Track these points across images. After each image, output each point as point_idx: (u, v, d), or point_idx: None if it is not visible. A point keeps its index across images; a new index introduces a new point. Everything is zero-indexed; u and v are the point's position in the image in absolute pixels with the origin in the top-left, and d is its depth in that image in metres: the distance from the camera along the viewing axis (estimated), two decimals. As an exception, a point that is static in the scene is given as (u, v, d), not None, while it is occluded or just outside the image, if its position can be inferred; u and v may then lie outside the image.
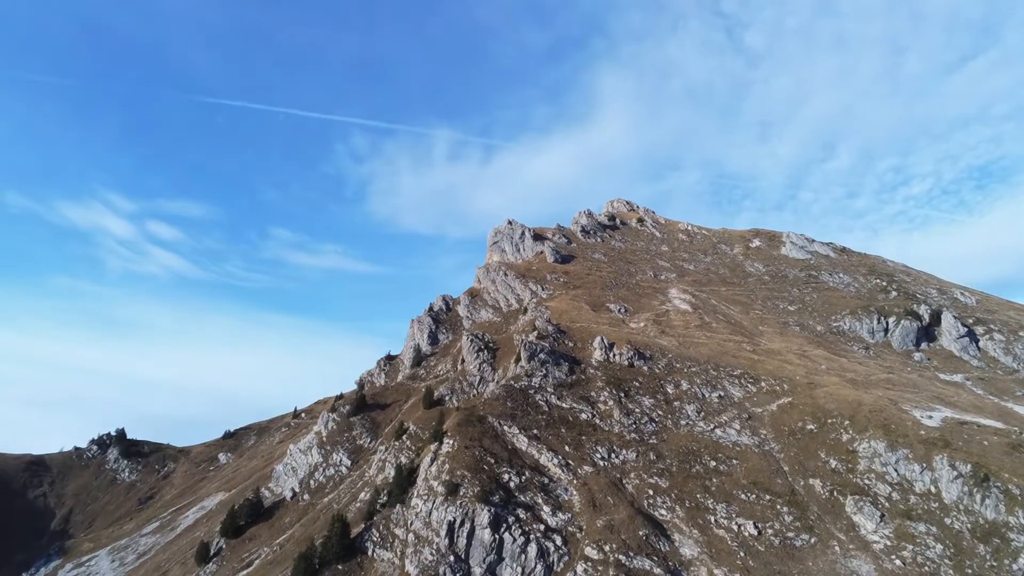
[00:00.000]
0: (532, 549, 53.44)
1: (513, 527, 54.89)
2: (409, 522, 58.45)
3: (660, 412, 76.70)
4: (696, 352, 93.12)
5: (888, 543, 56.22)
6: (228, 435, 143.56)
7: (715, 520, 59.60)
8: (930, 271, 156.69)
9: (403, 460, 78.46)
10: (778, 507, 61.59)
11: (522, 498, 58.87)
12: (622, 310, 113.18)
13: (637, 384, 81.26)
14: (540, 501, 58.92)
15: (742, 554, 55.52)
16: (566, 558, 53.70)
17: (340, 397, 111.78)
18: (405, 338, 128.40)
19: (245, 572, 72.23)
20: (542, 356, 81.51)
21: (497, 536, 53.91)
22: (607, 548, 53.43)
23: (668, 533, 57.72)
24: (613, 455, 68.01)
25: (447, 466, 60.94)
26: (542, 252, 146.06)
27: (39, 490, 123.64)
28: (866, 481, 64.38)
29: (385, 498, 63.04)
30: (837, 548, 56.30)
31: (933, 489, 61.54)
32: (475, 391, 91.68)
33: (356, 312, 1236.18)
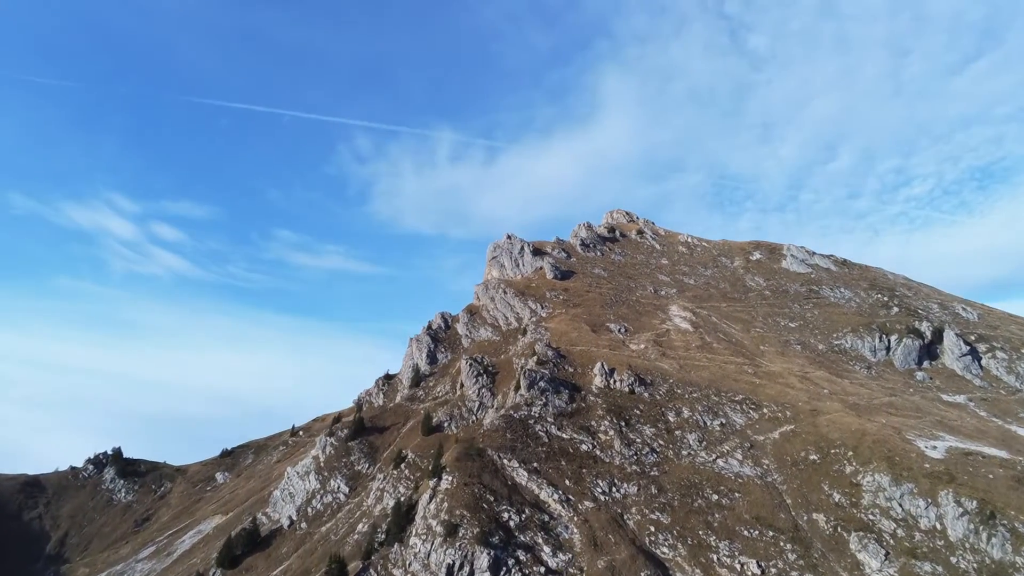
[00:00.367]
0: (532, 594, 52.53)
1: (513, 570, 54.01)
2: (407, 563, 57.52)
3: (661, 442, 75.85)
4: (697, 376, 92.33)
5: (894, 585, 55.39)
6: (225, 453, 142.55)
7: (718, 559, 58.73)
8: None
9: (401, 490, 77.62)
10: (781, 544, 60.75)
11: (522, 538, 57.99)
12: (622, 329, 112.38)
13: (638, 412, 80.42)
14: (540, 541, 58.04)
15: (746, 597, 54.67)
16: (567, 603, 52.81)
17: (338, 420, 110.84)
18: (404, 356, 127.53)
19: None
20: (542, 384, 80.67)
21: (497, 580, 53.01)
22: (609, 593, 52.54)
23: (671, 573, 56.85)
24: (614, 489, 67.15)
25: (446, 504, 60.06)
26: (541, 268, 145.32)
27: (34, 512, 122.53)
28: (870, 516, 63.58)
29: (383, 536, 62.11)
30: (842, 590, 55.47)
31: (939, 526, 60.75)
32: (474, 417, 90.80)
33: (358, 313, 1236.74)
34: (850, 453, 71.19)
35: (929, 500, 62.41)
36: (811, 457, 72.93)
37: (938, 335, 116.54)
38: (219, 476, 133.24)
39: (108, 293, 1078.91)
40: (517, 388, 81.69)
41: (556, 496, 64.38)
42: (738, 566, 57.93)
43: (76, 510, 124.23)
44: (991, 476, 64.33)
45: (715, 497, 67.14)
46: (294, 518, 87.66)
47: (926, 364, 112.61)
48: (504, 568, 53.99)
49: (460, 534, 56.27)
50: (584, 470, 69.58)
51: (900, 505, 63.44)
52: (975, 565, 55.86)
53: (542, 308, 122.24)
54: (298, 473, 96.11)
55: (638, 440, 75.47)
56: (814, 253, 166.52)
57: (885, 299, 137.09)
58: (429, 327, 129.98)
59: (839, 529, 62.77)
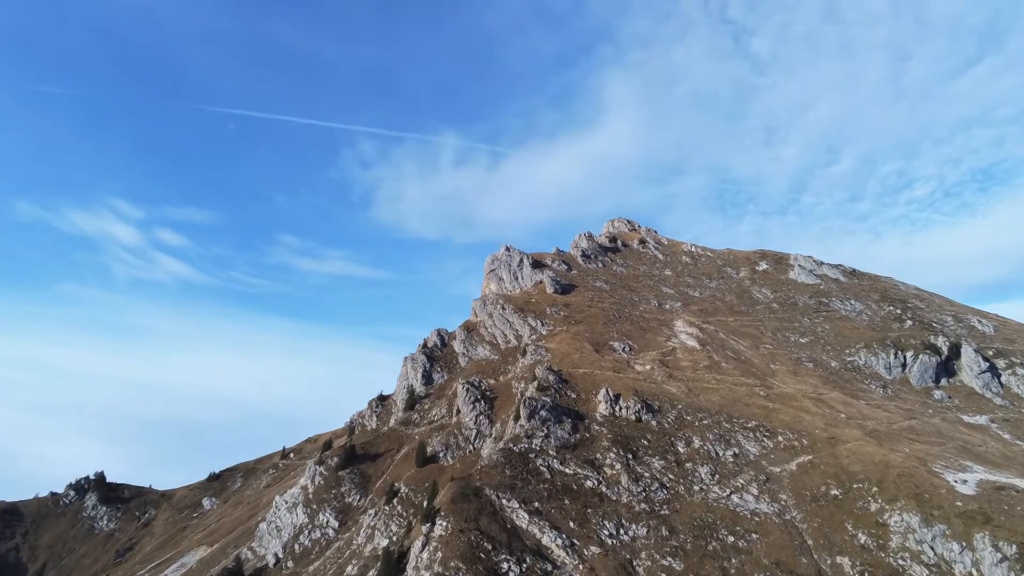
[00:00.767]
0: (535, 660, 47.45)
1: (513, 632, 48.93)
2: (397, 621, 52.45)
3: (671, 476, 70.84)
4: (707, 400, 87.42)
5: (933, 645, 50.41)
6: (213, 477, 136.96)
7: (737, 614, 53.69)
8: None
9: (394, 528, 72.65)
10: (805, 594, 55.75)
11: (523, 593, 52.90)
12: (626, 348, 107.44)
13: (645, 443, 75.44)
14: (543, 596, 52.97)
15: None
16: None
17: (329, 445, 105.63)
18: (398, 376, 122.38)
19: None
20: (543, 413, 75.66)
21: (495, 645, 47.95)
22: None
23: (686, 632, 51.80)
24: (622, 531, 62.11)
25: (439, 555, 54.96)
26: (541, 281, 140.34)
27: (11, 542, 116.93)
28: (900, 561, 58.59)
29: (371, 587, 57.04)
30: (876, 650, 50.45)
31: (975, 572, 55.80)
32: (471, 447, 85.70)
33: (362, 317, 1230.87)
34: (874, 488, 66.25)
35: (964, 543, 57.49)
36: (832, 492, 67.96)
37: (955, 350, 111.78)
38: (206, 502, 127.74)
39: (112, 299, 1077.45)
40: (517, 417, 76.67)
41: (559, 541, 59.30)
42: (759, 621, 52.89)
43: (55, 539, 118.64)
44: (1030, 515, 59.41)
45: (731, 539, 62.11)
46: (280, 556, 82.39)
47: (944, 382, 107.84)
48: (503, 630, 48.91)
49: (455, 591, 51.18)
50: (589, 510, 64.53)
51: (932, 549, 58.50)
52: (1020, 620, 50.97)
53: (542, 325, 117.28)
54: (286, 503, 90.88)
55: (646, 474, 70.46)
56: (822, 263, 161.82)
57: (898, 311, 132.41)
58: (424, 345, 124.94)
59: (866, 575, 57.84)
